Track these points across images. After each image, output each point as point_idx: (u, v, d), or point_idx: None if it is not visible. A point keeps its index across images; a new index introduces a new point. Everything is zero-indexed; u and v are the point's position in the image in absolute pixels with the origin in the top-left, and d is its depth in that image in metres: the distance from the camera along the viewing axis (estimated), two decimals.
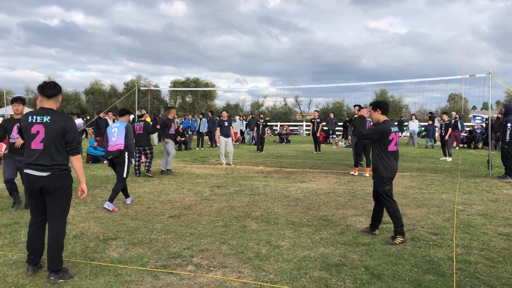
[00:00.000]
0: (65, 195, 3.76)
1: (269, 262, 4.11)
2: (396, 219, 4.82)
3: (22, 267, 3.96)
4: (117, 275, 3.78)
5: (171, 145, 10.83)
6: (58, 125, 3.66)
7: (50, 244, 3.72)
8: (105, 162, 7.39)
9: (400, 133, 28.76)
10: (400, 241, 4.72)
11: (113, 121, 14.89)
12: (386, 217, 5.92)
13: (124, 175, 6.69)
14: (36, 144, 3.65)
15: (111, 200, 6.50)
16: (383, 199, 5.02)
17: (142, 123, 10.41)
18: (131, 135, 6.90)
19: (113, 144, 6.77)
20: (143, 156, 10.58)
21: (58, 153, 3.67)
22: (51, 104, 3.78)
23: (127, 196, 7.00)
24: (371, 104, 5.31)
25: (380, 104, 5.09)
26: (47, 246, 3.78)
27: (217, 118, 23.11)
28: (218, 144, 13.16)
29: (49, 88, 3.76)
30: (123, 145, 6.75)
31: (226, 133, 12.40)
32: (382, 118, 5.07)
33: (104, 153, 7.25)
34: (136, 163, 10.45)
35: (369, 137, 5.17)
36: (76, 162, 3.78)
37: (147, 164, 10.32)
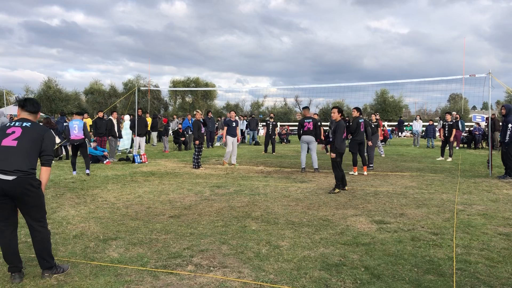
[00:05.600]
0: (38, 196, 3.63)
1: (269, 262, 4.11)
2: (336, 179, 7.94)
3: None
4: (117, 275, 3.78)
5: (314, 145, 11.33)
6: (37, 132, 3.67)
7: (38, 248, 3.69)
8: (68, 146, 10.88)
9: (400, 132, 28.40)
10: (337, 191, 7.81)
11: (117, 121, 14.92)
12: (386, 216, 5.93)
13: (88, 153, 10.80)
14: (9, 141, 3.56)
15: (88, 167, 10.48)
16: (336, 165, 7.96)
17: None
18: (86, 129, 10.65)
19: (77, 135, 10.35)
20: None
21: (28, 155, 3.57)
22: (31, 117, 3.84)
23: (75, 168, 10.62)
24: (335, 107, 8.34)
25: (340, 108, 8.28)
26: (34, 250, 3.72)
27: (219, 118, 23.13)
28: (216, 143, 13.26)
29: (32, 105, 3.84)
30: (83, 136, 10.41)
31: (233, 133, 12.56)
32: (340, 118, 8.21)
33: (67, 140, 10.49)
34: (194, 157, 11.80)
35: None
36: (46, 173, 3.72)
37: (195, 158, 11.65)
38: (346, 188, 8.12)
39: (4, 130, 3.66)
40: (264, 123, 17.65)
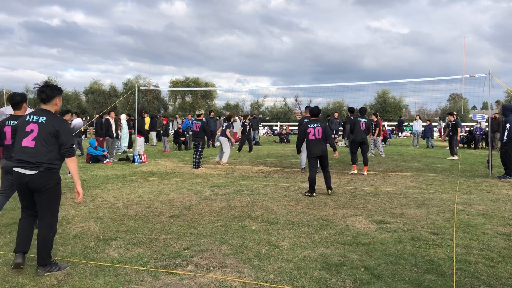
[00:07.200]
0: (52, 193, 3.79)
1: (269, 262, 4.11)
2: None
3: None
4: (117, 275, 3.78)
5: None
6: (52, 126, 3.75)
7: (39, 241, 3.81)
8: None
9: (400, 132, 28.43)
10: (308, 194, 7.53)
11: (115, 121, 14.87)
12: (385, 216, 5.93)
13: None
14: (28, 142, 3.72)
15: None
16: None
17: (199, 122, 11.74)
18: (74, 130, 9.78)
19: None
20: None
21: (47, 152, 3.73)
22: (48, 107, 3.90)
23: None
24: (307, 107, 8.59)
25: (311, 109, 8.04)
26: (36, 243, 3.84)
27: (218, 118, 23.11)
28: (216, 143, 13.31)
29: (42, 92, 3.87)
30: None
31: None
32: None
33: None
34: (195, 156, 11.62)
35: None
36: (71, 164, 3.85)
37: (197, 158, 11.53)
38: (314, 194, 7.55)
39: (24, 127, 3.76)
40: (241, 124, 18.73)
